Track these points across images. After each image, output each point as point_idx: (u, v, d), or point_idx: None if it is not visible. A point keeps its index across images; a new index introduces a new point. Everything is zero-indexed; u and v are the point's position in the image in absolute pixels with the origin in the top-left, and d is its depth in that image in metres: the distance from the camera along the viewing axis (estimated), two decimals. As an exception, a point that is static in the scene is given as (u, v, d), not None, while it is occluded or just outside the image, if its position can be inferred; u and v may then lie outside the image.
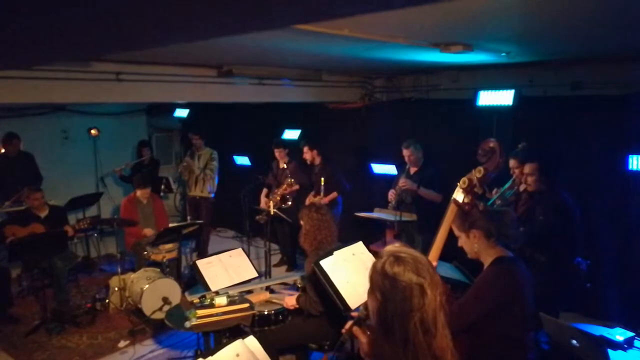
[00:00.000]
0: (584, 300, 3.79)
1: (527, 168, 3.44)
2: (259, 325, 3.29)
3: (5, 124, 6.14)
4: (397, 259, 1.48)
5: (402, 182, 4.61)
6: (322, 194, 5.31)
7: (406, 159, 4.76)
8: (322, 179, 5.26)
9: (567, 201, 3.39)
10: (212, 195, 6.31)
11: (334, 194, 5.47)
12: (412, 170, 4.81)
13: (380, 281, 1.47)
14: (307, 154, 5.59)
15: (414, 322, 1.41)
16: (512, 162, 3.70)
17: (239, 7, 0.62)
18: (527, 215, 3.47)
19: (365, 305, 1.62)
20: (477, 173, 2.14)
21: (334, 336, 3.19)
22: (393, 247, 1.57)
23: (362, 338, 1.62)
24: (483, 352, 2.13)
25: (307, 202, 5.41)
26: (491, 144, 2.24)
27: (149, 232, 5.13)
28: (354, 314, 1.74)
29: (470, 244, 2.21)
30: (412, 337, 1.41)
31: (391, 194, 4.70)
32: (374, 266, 1.53)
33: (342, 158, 6.08)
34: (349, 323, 1.69)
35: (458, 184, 2.17)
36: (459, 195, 2.14)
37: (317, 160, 5.63)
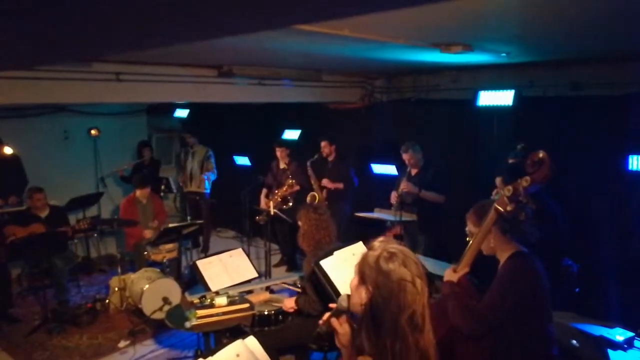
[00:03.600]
0: (583, 300, 3.79)
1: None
2: (259, 325, 3.29)
3: (5, 124, 6.14)
4: (390, 254, 1.50)
5: (404, 185, 4.59)
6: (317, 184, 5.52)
7: (406, 162, 4.75)
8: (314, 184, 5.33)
9: (544, 201, 3.38)
10: (207, 191, 6.50)
11: (340, 185, 5.54)
12: (413, 171, 4.80)
13: (373, 275, 1.49)
14: (326, 148, 5.63)
15: (404, 319, 1.43)
16: (511, 162, 3.69)
17: (239, 7, 0.62)
18: None
19: (346, 296, 1.63)
20: (524, 182, 2.10)
21: (334, 336, 3.19)
22: (383, 241, 1.59)
23: (340, 329, 1.62)
24: (508, 351, 2.13)
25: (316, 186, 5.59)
26: (540, 155, 2.18)
27: (148, 233, 5.12)
28: (332, 305, 1.72)
29: (487, 240, 2.22)
30: (401, 334, 1.43)
31: (393, 196, 4.68)
32: (366, 259, 1.54)
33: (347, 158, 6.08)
34: (327, 315, 1.69)
35: (501, 191, 2.14)
36: (501, 204, 2.11)
37: (332, 156, 5.68)
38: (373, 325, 1.48)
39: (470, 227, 2.30)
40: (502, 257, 2.20)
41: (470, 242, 2.23)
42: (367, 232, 4.97)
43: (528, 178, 2.11)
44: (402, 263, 1.48)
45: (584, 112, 4.27)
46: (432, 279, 2.95)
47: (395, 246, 1.55)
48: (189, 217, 6.20)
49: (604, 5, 2.26)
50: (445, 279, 2.24)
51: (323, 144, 5.63)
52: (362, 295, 1.51)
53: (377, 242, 1.58)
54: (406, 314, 1.43)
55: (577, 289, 3.57)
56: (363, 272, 1.53)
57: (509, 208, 2.09)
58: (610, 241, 4.06)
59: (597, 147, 4.12)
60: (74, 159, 7.01)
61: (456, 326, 2.13)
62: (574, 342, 3.05)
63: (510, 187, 2.10)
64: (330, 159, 5.70)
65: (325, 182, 5.58)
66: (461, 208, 2.45)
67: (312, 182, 5.64)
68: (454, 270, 2.22)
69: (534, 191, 2.15)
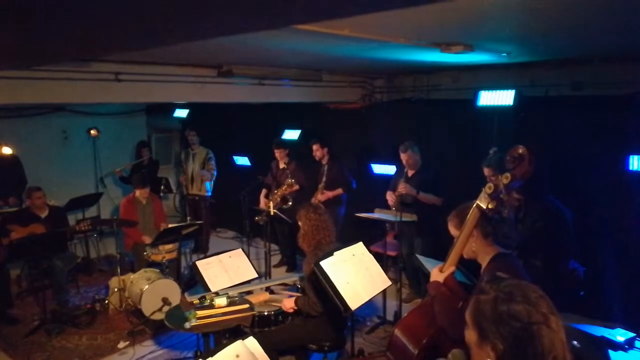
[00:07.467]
0: (585, 300, 3.78)
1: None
2: (258, 326, 3.29)
3: (4, 124, 6.13)
4: (508, 294, 1.26)
5: (402, 187, 4.47)
6: (323, 185, 5.35)
7: (404, 162, 4.64)
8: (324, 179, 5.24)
9: (555, 204, 3.36)
10: (208, 193, 6.53)
11: (339, 190, 5.44)
12: (410, 172, 4.68)
13: (496, 327, 1.25)
14: (318, 152, 5.49)
15: None
16: (486, 171, 3.60)
17: (239, 7, 0.61)
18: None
19: (458, 353, 1.51)
20: (504, 179, 2.10)
21: (334, 337, 3.18)
22: (493, 277, 1.39)
23: None
24: None
25: (316, 195, 5.45)
26: (520, 150, 2.19)
27: (147, 239, 5.09)
28: None
29: (468, 244, 2.21)
30: None
31: (390, 198, 4.63)
32: (479, 308, 1.29)
33: (342, 158, 6.08)
34: None
35: (483, 189, 2.14)
36: (483, 201, 2.11)
37: (325, 159, 5.56)
38: None
39: (452, 230, 2.30)
40: (484, 260, 2.19)
41: (455, 240, 2.23)
42: (367, 232, 4.97)
43: (508, 175, 2.11)
44: (524, 300, 1.24)
45: (584, 112, 4.27)
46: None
47: (508, 282, 1.31)
48: (188, 218, 6.20)
49: (606, 5, 2.25)
50: (432, 278, 2.22)
51: (315, 147, 5.48)
52: (489, 353, 1.26)
53: (485, 283, 1.35)
54: None
55: (581, 292, 3.54)
56: (481, 324, 1.28)
57: (490, 205, 2.08)
58: (610, 241, 4.05)
59: (598, 147, 4.11)
60: (73, 159, 7.00)
61: (443, 329, 2.11)
62: (575, 342, 3.04)
63: (491, 185, 2.10)
64: (324, 162, 5.56)
65: (321, 197, 5.39)
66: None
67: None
68: (440, 270, 2.21)
69: (516, 187, 2.16)
